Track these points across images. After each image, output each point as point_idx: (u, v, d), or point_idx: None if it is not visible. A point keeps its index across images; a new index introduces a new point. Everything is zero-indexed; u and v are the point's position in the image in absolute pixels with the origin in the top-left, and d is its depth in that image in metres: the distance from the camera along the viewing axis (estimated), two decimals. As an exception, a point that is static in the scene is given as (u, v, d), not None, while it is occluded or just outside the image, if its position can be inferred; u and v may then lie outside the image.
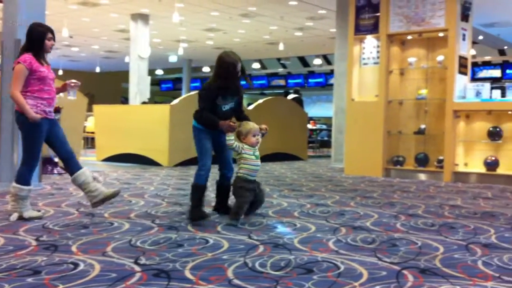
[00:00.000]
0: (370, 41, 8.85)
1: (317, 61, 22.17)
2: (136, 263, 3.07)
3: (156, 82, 28.58)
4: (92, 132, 11.72)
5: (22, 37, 6.10)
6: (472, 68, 18.02)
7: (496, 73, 18.60)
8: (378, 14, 8.69)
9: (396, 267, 3.04)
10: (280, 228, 4.16)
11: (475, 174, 7.91)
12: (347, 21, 9.25)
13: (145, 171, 8.54)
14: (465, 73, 8.30)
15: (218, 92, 4.43)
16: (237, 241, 3.66)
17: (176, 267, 3.00)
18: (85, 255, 3.23)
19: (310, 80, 24.29)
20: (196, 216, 4.32)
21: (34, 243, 3.55)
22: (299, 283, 2.71)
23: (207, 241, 3.64)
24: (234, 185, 4.45)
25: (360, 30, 8.88)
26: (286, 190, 6.45)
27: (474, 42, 16.36)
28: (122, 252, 3.30)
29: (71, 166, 4.52)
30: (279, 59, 25.75)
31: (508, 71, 18.43)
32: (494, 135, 7.90)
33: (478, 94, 8.07)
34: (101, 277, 2.80)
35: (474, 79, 17.86)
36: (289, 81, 24.56)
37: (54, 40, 4.52)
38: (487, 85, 8.20)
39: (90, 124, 12.61)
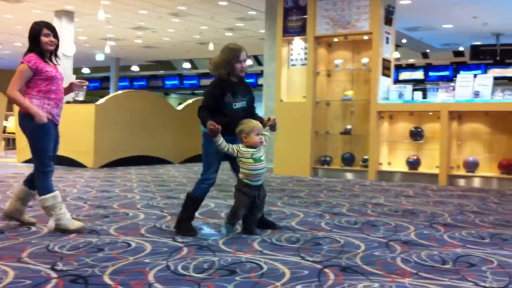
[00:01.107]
0: (298, 42, 8.96)
1: (248, 62, 22.26)
2: (52, 269, 2.95)
3: (83, 81, 27.73)
4: (13, 133, 11.22)
5: None
6: (396, 70, 18.71)
7: (419, 75, 19.32)
8: (305, 16, 8.82)
9: (318, 266, 3.08)
10: (206, 230, 4.13)
11: (398, 173, 8.17)
12: (276, 23, 9.33)
13: (69, 173, 8.27)
14: (388, 75, 8.56)
15: (225, 87, 3.95)
16: (160, 244, 3.59)
17: (95, 272, 2.90)
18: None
19: (241, 81, 24.38)
20: (184, 230, 3.91)
21: None
22: (221, 285, 2.69)
23: (129, 245, 3.55)
24: (235, 186, 4.01)
25: (288, 32, 8.98)
26: (215, 191, 6.42)
27: (398, 45, 16.95)
28: (39, 258, 3.17)
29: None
30: (210, 59, 25.67)
31: (430, 73, 19.20)
32: (416, 135, 8.19)
33: (400, 95, 8.34)
34: (14, 284, 2.67)
35: (398, 81, 18.50)
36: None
37: (55, 36, 4.12)
38: (409, 87, 8.49)
39: (11, 124, 12.07)
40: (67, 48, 13.96)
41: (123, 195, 5.99)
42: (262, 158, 3.92)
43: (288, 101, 8.97)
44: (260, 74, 23.29)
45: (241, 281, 2.77)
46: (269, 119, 4.10)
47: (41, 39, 4.06)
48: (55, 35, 4.15)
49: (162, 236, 3.83)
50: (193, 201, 4.02)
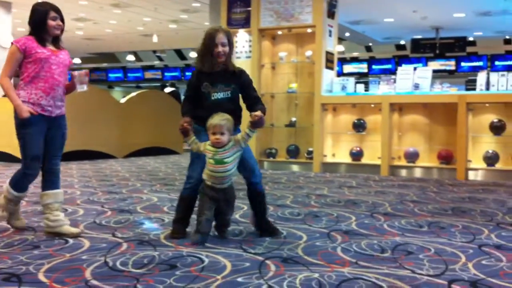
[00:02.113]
0: (242, 35, 8.93)
1: (194, 54, 22.10)
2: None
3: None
4: None
5: None
6: (340, 63, 18.98)
7: (363, 68, 19.66)
8: (249, 8, 8.80)
9: (260, 258, 3.08)
10: (147, 224, 4.06)
11: (342, 164, 8.29)
12: (220, 15, 9.27)
13: (6, 168, 7.98)
14: (331, 68, 8.65)
15: (202, 76, 3.59)
16: (99, 240, 3.50)
17: (29, 270, 2.80)
18: None
19: (187, 73, 24.13)
20: (171, 231, 3.67)
21: None
22: (160, 280, 2.65)
23: (67, 241, 3.45)
24: (199, 189, 3.56)
25: (232, 24, 8.93)
26: (158, 185, 6.33)
27: (342, 39, 17.19)
28: (-31, 258, 3.03)
29: (49, 182, 3.74)
30: (154, 51, 25.31)
31: (374, 66, 19.56)
32: (359, 127, 8.32)
33: (343, 88, 8.45)
34: None
35: (343, 74, 18.77)
36: (166, 74, 24.21)
37: (61, 20, 3.70)
38: (352, 79, 8.62)
39: None
40: (4, 39, 13.47)
41: (62, 190, 5.81)
42: (226, 160, 3.39)
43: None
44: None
45: (181, 275, 2.74)
46: (251, 115, 3.47)
47: (48, 23, 3.62)
48: (62, 18, 3.73)
49: (102, 232, 3.74)
50: (181, 202, 3.72)
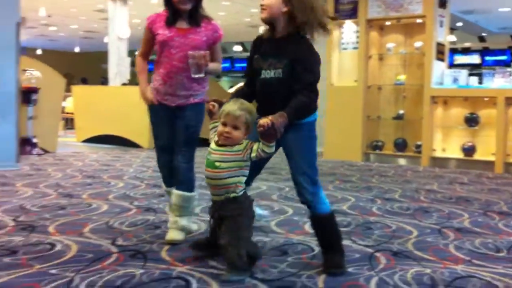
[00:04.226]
0: (349, 26, 8.86)
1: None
2: (113, 244, 3.09)
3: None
4: (72, 113, 11.62)
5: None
6: (452, 54, 18.21)
7: (476, 59, 18.77)
8: (358, -1, 8.70)
9: (370, 250, 3.10)
10: (258, 211, 4.19)
11: (452, 160, 8.02)
12: (327, 5, 9.26)
13: (125, 153, 8.51)
14: (442, 60, 8.37)
15: (257, 45, 2.80)
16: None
17: (152, 248, 3.03)
18: (62, 236, 3.24)
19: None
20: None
21: (11, 223, 3.54)
22: (273, 265, 2.76)
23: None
24: None
25: (339, 15, 8.88)
26: (265, 174, 6.49)
27: (453, 29, 16.49)
28: (99, 233, 3.32)
29: (174, 178, 3.37)
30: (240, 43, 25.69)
31: (487, 58, 18.61)
32: (471, 121, 7.99)
33: (455, 80, 8.15)
34: (77, 257, 2.82)
35: (454, 65, 18.03)
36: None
37: None
38: (464, 71, 8.28)
39: (69, 104, 12.49)
40: (121, 31, 14.25)
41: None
42: (218, 164, 2.56)
43: (339, 85, 8.91)
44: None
45: (293, 261, 2.84)
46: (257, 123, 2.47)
47: None
48: None
49: (216, 216, 3.92)
50: None
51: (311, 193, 2.66)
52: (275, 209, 4.28)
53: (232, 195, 2.58)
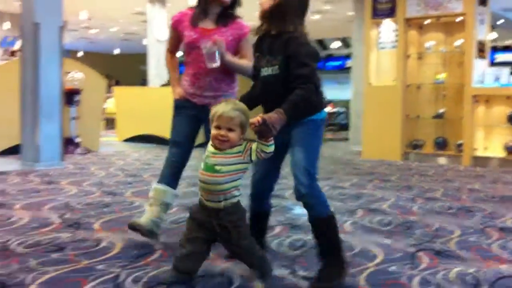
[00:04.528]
0: (387, 24, 8.78)
1: (336, 44, 22.05)
2: (156, 241, 3.15)
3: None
4: (113, 113, 11.86)
5: (40, 20, 6.22)
6: (493, 52, 17.82)
7: (518, 57, 18.32)
8: (396, -3, 8.62)
9: (411, 249, 3.09)
10: (297, 210, 4.22)
11: (494, 159, 7.86)
12: (364, 5, 9.19)
13: (164, 152, 8.60)
14: (483, 58, 8.22)
15: (257, 44, 2.75)
16: (254, 222, 3.71)
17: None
18: (107, 233, 3.33)
19: (328, 63, 24.19)
20: None
21: (58, 220, 3.65)
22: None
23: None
24: None
25: (377, 14, 8.81)
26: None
27: (494, 27, 16.13)
28: (143, 231, 3.38)
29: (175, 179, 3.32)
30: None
31: (530, 55, 18.15)
32: (514, 120, 7.83)
33: (496, 79, 7.99)
34: (122, 254, 2.90)
35: (494, 63, 17.64)
36: (307, 64, 24.44)
37: None
38: (506, 70, 8.11)
39: (110, 105, 12.76)
40: (160, 33, 14.45)
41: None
42: (218, 168, 2.38)
43: (377, 84, 8.84)
44: (347, 57, 23.03)
45: (335, 260, 2.84)
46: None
47: None
48: None
49: (256, 215, 3.95)
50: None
51: (306, 187, 2.48)
52: (315, 208, 4.28)
53: (231, 200, 2.41)
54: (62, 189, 4.89)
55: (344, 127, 16.36)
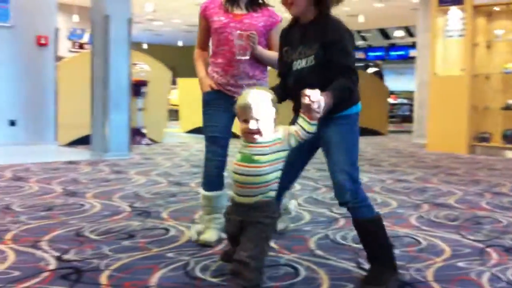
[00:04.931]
0: (454, 12, 8.53)
1: (399, 33, 21.59)
2: (223, 231, 3.22)
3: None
4: (176, 105, 12.10)
5: (110, 12, 6.42)
6: None
7: None
8: (464, -16, 8.35)
9: (480, 245, 3.03)
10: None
11: None
12: (431, -8, 8.96)
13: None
14: (558, 46, 7.86)
15: (286, 35, 2.55)
16: (317, 214, 3.74)
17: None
18: (175, 222, 3.43)
19: (391, 53, 23.73)
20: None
21: (128, 209, 3.80)
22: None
23: (289, 213, 3.74)
24: None
25: (444, 1, 8.57)
26: (367, 165, 6.43)
27: None
28: (209, 221, 3.47)
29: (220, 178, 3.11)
30: (359, 32, 25.27)
31: None
32: None
33: None
34: (191, 242, 2.98)
35: None
36: (369, 54, 24.10)
37: None
38: None
39: (173, 97, 13.01)
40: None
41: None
42: (257, 158, 2.18)
43: (443, 74, 8.62)
44: (411, 46, 22.51)
45: (400, 254, 2.82)
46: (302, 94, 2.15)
47: None
48: None
49: (319, 207, 3.97)
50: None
51: (351, 194, 2.32)
52: (378, 201, 4.26)
53: (269, 194, 2.20)
54: (130, 179, 5.06)
55: (407, 119, 16.06)
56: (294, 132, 2.18)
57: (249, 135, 2.18)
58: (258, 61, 2.99)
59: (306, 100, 2.09)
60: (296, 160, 2.48)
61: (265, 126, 2.17)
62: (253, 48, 2.89)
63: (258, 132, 2.16)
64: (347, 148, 2.37)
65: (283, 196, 2.69)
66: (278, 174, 2.21)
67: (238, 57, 2.90)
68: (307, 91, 2.09)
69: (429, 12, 9.23)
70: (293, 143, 2.19)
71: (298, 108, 2.23)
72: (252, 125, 2.15)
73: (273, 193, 2.22)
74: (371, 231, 2.40)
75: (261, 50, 2.95)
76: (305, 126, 2.16)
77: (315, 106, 2.09)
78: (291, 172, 2.51)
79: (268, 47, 3.02)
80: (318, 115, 2.13)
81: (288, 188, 2.68)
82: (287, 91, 2.48)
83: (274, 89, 2.41)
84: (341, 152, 2.34)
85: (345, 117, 2.39)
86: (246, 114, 2.16)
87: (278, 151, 2.19)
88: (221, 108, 3.00)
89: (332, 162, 2.36)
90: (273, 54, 2.91)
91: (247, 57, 2.90)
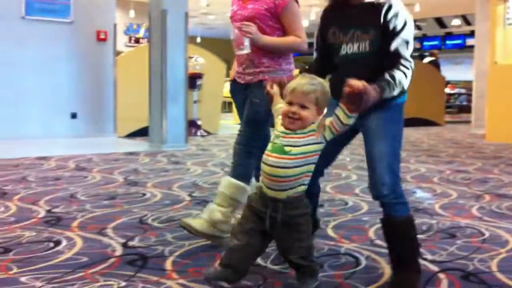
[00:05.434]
0: (517, -1, 8.24)
1: (456, 22, 21.01)
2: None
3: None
4: (228, 97, 12.20)
5: (167, 7, 6.54)
6: None
7: None
8: (528, -32, 8.05)
9: (546, 237, 2.94)
10: (420, 193, 4.15)
11: None
12: (491, -22, 8.68)
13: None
14: None
15: (326, 17, 2.41)
16: (376, 204, 3.70)
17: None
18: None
19: (447, 42, 23.13)
20: None
21: (187, 198, 3.88)
22: (442, 247, 2.74)
23: (347, 203, 3.74)
24: None
25: (506, -13, 8.29)
26: (424, 156, 6.32)
27: None
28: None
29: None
30: (414, 21, 24.77)
31: None
32: None
33: None
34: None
35: None
36: (424, 43, 23.55)
37: None
38: None
39: (226, 89, 13.14)
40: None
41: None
42: (288, 149, 2.03)
43: (504, 63, 8.35)
44: (468, 35, 21.86)
45: (462, 244, 2.79)
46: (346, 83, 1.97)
47: None
48: None
49: (377, 197, 3.94)
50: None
51: (389, 187, 2.16)
52: (437, 192, 4.19)
53: (300, 189, 2.06)
54: (188, 169, 5.17)
55: (465, 109, 15.65)
56: (330, 123, 2.03)
57: (288, 120, 2.04)
58: (267, 51, 2.81)
59: (347, 90, 1.93)
60: (336, 145, 2.31)
61: (307, 116, 2.03)
62: (254, 40, 2.74)
63: (299, 119, 2.03)
64: (391, 139, 2.21)
65: (317, 183, 2.49)
66: (311, 168, 2.06)
67: (238, 53, 2.85)
68: (353, 82, 1.92)
69: (489, 0, 8.95)
70: (328, 135, 2.04)
71: (337, 93, 2.07)
72: (295, 109, 2.02)
73: (304, 187, 2.07)
74: (404, 231, 2.22)
75: (270, 39, 2.79)
76: (342, 118, 2.00)
77: (358, 98, 1.94)
78: (327, 157, 2.32)
79: (284, 30, 2.84)
80: (360, 109, 1.98)
81: (322, 174, 2.48)
82: (326, 70, 2.35)
83: (309, 66, 2.28)
84: (384, 142, 2.19)
85: (392, 106, 2.22)
86: (293, 96, 2.03)
87: (312, 144, 2.04)
88: (239, 100, 2.97)
89: (372, 153, 2.19)
90: (290, 40, 2.80)
91: (248, 50, 2.78)
